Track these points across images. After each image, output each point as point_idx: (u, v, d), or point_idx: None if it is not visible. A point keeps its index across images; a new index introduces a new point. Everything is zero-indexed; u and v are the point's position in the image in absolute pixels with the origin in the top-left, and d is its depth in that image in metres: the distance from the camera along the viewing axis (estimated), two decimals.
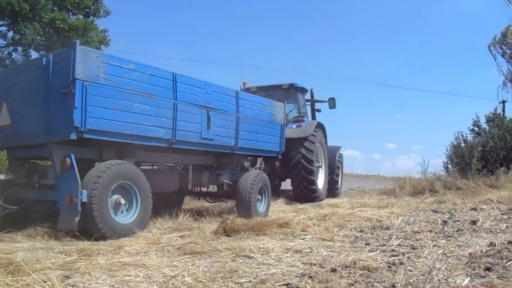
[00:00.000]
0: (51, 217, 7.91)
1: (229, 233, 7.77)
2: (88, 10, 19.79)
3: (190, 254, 6.26)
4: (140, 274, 5.07)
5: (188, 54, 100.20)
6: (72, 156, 7.35)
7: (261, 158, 12.74)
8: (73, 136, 7.20)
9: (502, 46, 29.61)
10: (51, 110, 7.50)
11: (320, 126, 16.30)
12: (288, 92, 16.15)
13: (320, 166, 16.37)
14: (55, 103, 7.44)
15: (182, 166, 10.82)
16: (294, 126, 15.36)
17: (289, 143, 13.70)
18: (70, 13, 19.07)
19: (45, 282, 4.55)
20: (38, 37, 17.72)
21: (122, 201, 7.94)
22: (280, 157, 13.11)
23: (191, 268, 5.35)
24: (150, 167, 10.04)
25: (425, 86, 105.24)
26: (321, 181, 16.31)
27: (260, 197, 11.24)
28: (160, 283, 4.74)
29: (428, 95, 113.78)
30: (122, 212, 8.01)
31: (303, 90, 17.08)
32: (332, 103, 17.34)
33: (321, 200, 15.48)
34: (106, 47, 20.68)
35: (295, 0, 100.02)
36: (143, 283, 4.77)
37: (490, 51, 30.11)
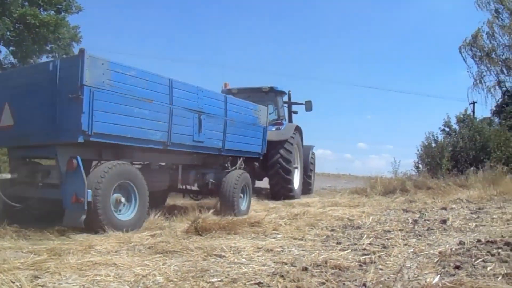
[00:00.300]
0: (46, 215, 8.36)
1: (200, 232, 7.74)
2: (59, 6, 19.55)
3: (161, 253, 6.23)
4: (110, 274, 5.01)
5: (167, 53, 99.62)
6: (78, 157, 7.70)
7: (241, 159, 13.09)
8: (81, 140, 7.62)
9: (473, 48, 30.05)
10: (58, 113, 7.82)
11: (297, 129, 16.99)
12: (268, 95, 16.77)
13: (296, 167, 16.92)
14: (62, 107, 7.77)
15: (174, 166, 11.20)
16: (274, 129, 15.83)
17: (268, 144, 14.14)
18: (41, 9, 18.81)
19: (13, 282, 4.48)
20: (8, 33, 17.45)
21: (122, 199, 8.34)
22: (261, 157, 13.84)
23: (162, 267, 5.32)
24: (141, 166, 10.20)
25: (396, 86, 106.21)
26: (297, 180, 16.90)
27: (242, 195, 11.73)
28: (131, 283, 4.70)
29: (399, 95, 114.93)
30: (121, 210, 8.37)
31: (282, 93, 17.64)
32: (308, 105, 17.92)
33: (297, 198, 16.02)
34: (77, 44, 20.47)
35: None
36: (113, 282, 4.73)
37: (461, 53, 30.58)
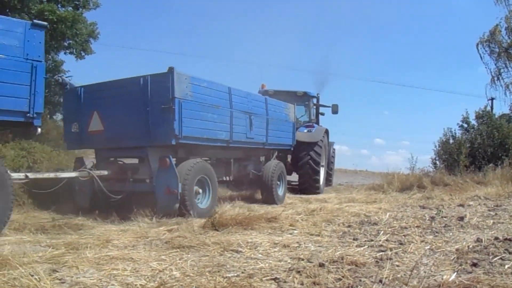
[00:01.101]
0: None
1: (217, 228, 7.77)
2: (77, 2, 19.62)
3: (178, 248, 6.26)
4: (127, 268, 5.06)
5: (180, 48, 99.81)
6: (170, 156, 9.56)
7: (276, 152, 15.05)
8: (173, 142, 9.43)
9: (490, 44, 29.74)
10: (151, 120, 9.45)
11: (326, 132, 18.92)
12: (302, 98, 18.75)
13: (322, 166, 18.49)
14: (155, 116, 9.42)
15: (228, 160, 12.78)
16: (306, 131, 17.58)
17: (300, 145, 16.54)
18: (59, 5, 18.90)
19: (32, 276, 4.54)
20: None
21: (200, 191, 10.15)
22: (292, 149, 16.01)
23: (179, 262, 5.35)
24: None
25: (414, 82, 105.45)
26: (322, 177, 18.41)
27: (279, 182, 13.88)
28: (147, 277, 4.74)
29: (417, 91, 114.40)
30: (199, 199, 10.12)
31: (314, 98, 19.64)
32: (335, 108, 19.72)
33: (321, 193, 17.59)
34: (94, 40, 20.54)
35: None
36: (130, 277, 4.77)
37: (478, 50, 30.25)
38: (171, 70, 9.30)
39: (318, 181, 17.59)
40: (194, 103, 9.86)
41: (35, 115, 7.52)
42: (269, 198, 13.26)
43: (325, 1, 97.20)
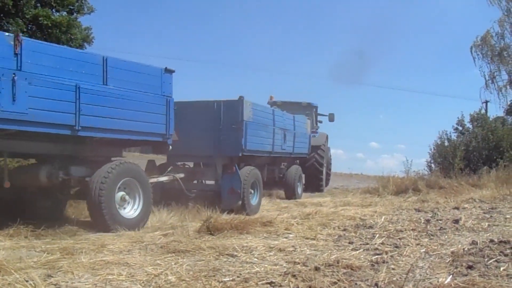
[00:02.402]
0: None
1: (212, 232, 7.77)
2: (72, 7, 19.51)
3: (173, 252, 6.26)
4: (123, 273, 5.05)
5: (174, 52, 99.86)
6: (236, 165, 12.30)
7: (297, 160, 17.80)
8: (240, 154, 12.44)
9: (483, 49, 29.89)
10: (222, 136, 12.33)
11: (326, 137, 21.54)
12: (306, 108, 20.78)
13: (324, 166, 20.98)
14: (226, 133, 12.28)
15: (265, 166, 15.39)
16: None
17: None
18: (53, 10, 18.84)
19: (27, 281, 4.52)
20: (21, 34, 17.57)
21: (252, 191, 12.77)
22: (308, 157, 18.93)
23: (174, 267, 5.34)
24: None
25: (409, 86, 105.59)
26: (324, 177, 20.95)
27: (298, 184, 16.95)
28: (143, 282, 4.73)
29: (412, 94, 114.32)
30: (251, 198, 12.65)
31: (316, 107, 21.82)
32: (331, 117, 22.08)
33: (323, 191, 20.47)
34: (89, 45, 20.49)
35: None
36: (126, 281, 4.76)
37: (472, 54, 30.39)
38: (241, 98, 12.29)
39: (322, 180, 20.26)
40: (254, 124, 12.96)
41: (169, 136, 9.86)
42: (291, 196, 16.25)
43: (316, 5, 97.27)
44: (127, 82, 8.86)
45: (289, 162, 17.31)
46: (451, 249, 6.49)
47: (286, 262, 5.75)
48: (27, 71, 7.22)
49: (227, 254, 6.14)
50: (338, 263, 5.42)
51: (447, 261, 5.74)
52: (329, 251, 6.37)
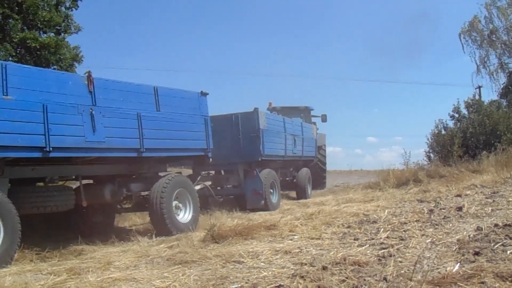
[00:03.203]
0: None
1: (217, 240, 7.76)
2: (58, 28, 19.53)
3: (180, 264, 6.25)
4: None
5: (163, 64, 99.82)
6: (257, 169, 14.44)
7: (306, 163, 19.81)
8: (259, 159, 14.43)
9: (472, 34, 30.00)
10: (242, 144, 14.44)
11: (325, 137, 23.98)
12: (303, 112, 22.26)
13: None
14: (245, 141, 14.41)
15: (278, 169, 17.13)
16: None
17: None
18: (40, 32, 18.84)
19: None
20: (10, 58, 17.51)
21: (271, 190, 14.90)
22: (314, 160, 21.04)
23: (182, 278, 5.34)
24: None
25: (400, 77, 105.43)
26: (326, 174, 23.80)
27: (308, 185, 18.88)
28: None
29: (404, 86, 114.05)
30: (271, 197, 14.82)
31: (311, 110, 23.38)
32: (324, 118, 23.41)
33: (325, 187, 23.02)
34: (79, 64, 20.47)
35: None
36: None
37: (460, 40, 30.50)
38: (256, 110, 14.58)
39: (325, 177, 22.84)
40: (269, 131, 15.07)
41: (209, 150, 11.30)
42: (302, 196, 18.06)
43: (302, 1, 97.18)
44: (174, 107, 10.36)
45: (299, 165, 18.97)
46: (456, 237, 6.49)
47: (293, 264, 5.74)
48: (100, 105, 8.61)
49: (233, 261, 6.14)
50: (345, 260, 5.42)
51: (453, 249, 5.74)
52: (335, 249, 6.36)
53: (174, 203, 10.14)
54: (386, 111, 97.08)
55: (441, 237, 6.65)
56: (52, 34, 19.22)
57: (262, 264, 5.91)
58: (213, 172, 15.20)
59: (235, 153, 13.94)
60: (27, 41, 17.23)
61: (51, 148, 7.68)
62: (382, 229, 7.65)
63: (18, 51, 17.99)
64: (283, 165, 17.52)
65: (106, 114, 8.66)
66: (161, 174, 10.80)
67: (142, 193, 10.22)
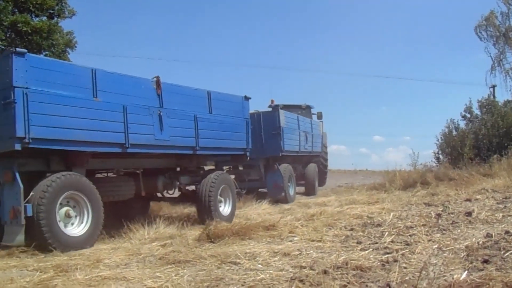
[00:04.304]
0: None
1: (213, 239, 7.77)
2: (51, 11, 19.49)
3: (173, 263, 6.26)
4: None
5: (160, 53, 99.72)
6: (277, 163, 16.40)
7: (314, 158, 21.62)
8: (280, 154, 16.35)
9: (488, 29, 29.91)
10: (264, 141, 16.19)
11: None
12: (305, 110, 23.00)
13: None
14: (267, 138, 16.22)
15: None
16: None
17: None
18: (32, 15, 18.80)
19: None
20: (0, 42, 17.49)
21: (289, 184, 16.87)
22: (320, 156, 22.54)
23: (175, 279, 5.34)
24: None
25: (410, 74, 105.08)
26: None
27: (316, 180, 20.52)
28: None
29: (414, 83, 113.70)
30: (290, 188, 17.00)
31: (313, 108, 24.56)
32: (319, 115, 24.12)
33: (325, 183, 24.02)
34: (72, 50, 20.48)
35: None
36: None
37: (477, 33, 30.38)
38: (276, 108, 17.07)
39: (326, 174, 23.77)
40: (288, 128, 16.99)
41: (248, 149, 12.71)
42: (311, 191, 19.75)
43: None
44: (223, 110, 11.76)
45: (307, 160, 20.72)
46: (465, 244, 6.50)
47: (292, 267, 5.75)
48: (166, 107, 9.99)
49: (229, 262, 6.15)
50: (347, 264, 5.43)
51: (461, 256, 5.74)
52: (337, 253, 6.37)
53: (218, 197, 11.54)
54: (395, 109, 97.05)
55: (448, 243, 6.66)
56: (45, 18, 19.21)
57: (260, 266, 5.92)
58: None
59: (256, 148, 14.68)
60: (18, 25, 17.22)
61: (129, 145, 9.08)
62: (386, 233, 7.66)
63: (8, 35, 17.96)
64: (294, 160, 18.99)
65: (170, 115, 10.07)
66: (205, 168, 12.71)
67: (187, 186, 11.92)
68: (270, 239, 7.87)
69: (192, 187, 11.92)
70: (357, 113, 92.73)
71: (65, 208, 8.12)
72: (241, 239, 7.83)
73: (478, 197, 12.31)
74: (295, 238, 7.88)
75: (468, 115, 26.70)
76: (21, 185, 7.48)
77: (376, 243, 7.00)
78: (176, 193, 12.29)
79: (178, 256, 6.55)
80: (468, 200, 11.80)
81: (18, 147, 7.36)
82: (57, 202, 7.86)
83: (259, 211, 13.18)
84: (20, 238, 7.36)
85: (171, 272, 5.77)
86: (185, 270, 5.81)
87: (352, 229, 8.50)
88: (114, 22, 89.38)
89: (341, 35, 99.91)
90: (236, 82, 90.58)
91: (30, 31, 17.41)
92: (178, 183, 11.51)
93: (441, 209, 10.34)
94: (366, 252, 6.36)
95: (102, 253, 7.19)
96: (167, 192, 11.95)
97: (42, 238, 7.53)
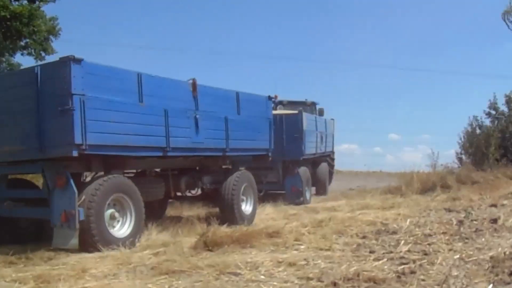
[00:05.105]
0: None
1: (210, 247, 7.77)
2: None
3: (167, 274, 6.26)
4: None
5: (147, 41, 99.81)
6: (296, 167, 17.08)
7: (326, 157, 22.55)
8: (301, 158, 17.27)
9: None
10: (285, 144, 16.73)
11: None
12: (310, 106, 23.28)
13: None
14: (289, 141, 16.89)
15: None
16: None
17: None
18: None
19: None
20: None
21: (306, 188, 17.67)
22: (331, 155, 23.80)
23: None
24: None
25: (430, 66, 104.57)
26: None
27: (327, 180, 21.82)
28: None
29: (435, 76, 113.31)
30: (307, 192, 17.81)
31: (317, 104, 24.95)
32: (321, 111, 24.12)
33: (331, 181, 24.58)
34: (55, 38, 20.44)
35: None
36: None
37: (504, 20, 30.33)
38: (300, 111, 17.67)
39: (332, 174, 24.18)
40: (308, 131, 17.79)
41: (271, 149, 13.68)
42: (322, 192, 20.76)
43: None
44: (249, 110, 12.58)
45: (319, 160, 21.19)
46: (489, 254, 6.50)
47: (298, 278, 5.76)
48: (201, 109, 10.73)
49: (229, 273, 6.15)
50: (358, 276, 5.43)
51: (485, 268, 5.75)
52: (348, 263, 6.38)
53: (241, 196, 12.32)
54: (412, 104, 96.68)
55: (471, 253, 6.66)
56: (25, 1, 19.16)
57: (262, 277, 5.92)
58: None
59: (277, 151, 15.09)
60: None
61: (170, 148, 9.87)
62: (402, 241, 7.67)
63: None
64: (309, 161, 19.54)
65: (205, 118, 10.81)
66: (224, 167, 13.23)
67: (208, 186, 12.40)
68: (274, 247, 7.87)
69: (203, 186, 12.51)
70: (371, 108, 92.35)
71: (110, 210, 8.75)
72: (241, 247, 7.84)
73: (504, 202, 12.31)
74: (302, 247, 7.88)
75: (493, 112, 26.59)
76: (76, 190, 8.05)
77: (391, 252, 7.00)
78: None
79: (172, 266, 6.55)
80: (494, 205, 11.81)
81: (75, 153, 8.03)
82: (105, 204, 8.54)
83: (262, 216, 13.06)
84: (74, 241, 7.93)
85: (164, 283, 5.77)
86: (179, 281, 5.82)
87: (364, 237, 8.50)
88: (102, 7, 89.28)
89: (351, 21, 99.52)
90: (238, 74, 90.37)
91: (9, 16, 17.36)
92: (200, 182, 12.22)
93: (463, 215, 10.35)
94: (380, 262, 6.37)
95: (88, 262, 7.17)
96: (189, 192, 12.57)
97: (92, 241, 8.10)
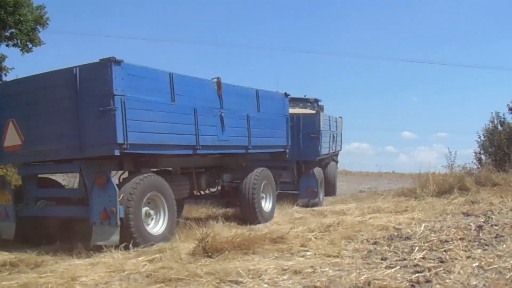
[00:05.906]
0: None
1: (210, 254, 7.78)
2: None
3: (163, 282, 6.28)
4: None
5: (136, 32, 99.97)
6: (313, 168, 17.72)
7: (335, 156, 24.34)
8: (317, 158, 18.24)
9: None
10: (302, 144, 17.42)
11: None
12: (312, 104, 24.04)
13: None
14: (306, 141, 17.50)
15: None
16: None
17: None
18: None
19: None
20: None
21: (320, 188, 18.71)
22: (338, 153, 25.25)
23: None
24: None
25: (447, 59, 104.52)
26: None
27: (336, 181, 22.80)
28: None
29: (452, 70, 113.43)
30: (320, 192, 18.44)
31: (320, 102, 25.87)
32: (321, 109, 24.63)
33: None
34: (43, 28, 20.42)
35: None
36: None
37: None
38: (318, 112, 19.16)
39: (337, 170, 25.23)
40: (324, 131, 18.53)
41: (288, 146, 15.04)
42: (332, 192, 21.61)
43: None
44: (268, 108, 13.89)
45: (328, 159, 22.05)
46: (511, 262, 6.50)
47: (304, 287, 5.77)
48: (226, 108, 11.87)
49: (230, 281, 6.17)
50: (369, 285, 5.44)
51: (507, 277, 5.75)
52: (357, 271, 6.38)
53: (261, 194, 13.44)
54: (428, 100, 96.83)
55: (491, 260, 6.66)
56: None
57: (266, 285, 5.95)
58: None
59: (292, 151, 16.15)
60: None
61: (200, 146, 10.93)
62: (417, 248, 7.67)
63: None
64: (323, 161, 20.76)
65: (229, 116, 11.92)
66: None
67: (227, 183, 13.63)
68: (278, 253, 7.89)
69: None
70: (383, 104, 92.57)
71: (145, 208, 9.68)
72: (243, 253, 7.85)
73: None
74: (308, 253, 7.90)
75: None
76: (116, 188, 8.97)
77: (405, 259, 7.01)
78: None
79: (168, 274, 6.58)
80: None
81: (117, 152, 8.97)
82: (142, 202, 9.47)
83: None
84: (115, 238, 8.81)
85: None
86: None
87: (375, 243, 8.51)
88: None
89: (364, 13, 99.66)
90: (237, 66, 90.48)
91: None
92: (221, 180, 13.44)
93: (482, 220, 10.34)
94: (393, 270, 6.37)
95: (78, 269, 7.20)
96: (209, 190, 13.62)
97: (130, 238, 8.94)
